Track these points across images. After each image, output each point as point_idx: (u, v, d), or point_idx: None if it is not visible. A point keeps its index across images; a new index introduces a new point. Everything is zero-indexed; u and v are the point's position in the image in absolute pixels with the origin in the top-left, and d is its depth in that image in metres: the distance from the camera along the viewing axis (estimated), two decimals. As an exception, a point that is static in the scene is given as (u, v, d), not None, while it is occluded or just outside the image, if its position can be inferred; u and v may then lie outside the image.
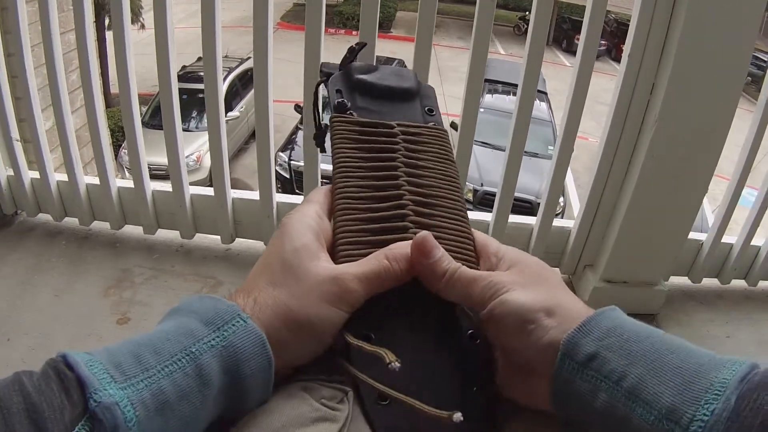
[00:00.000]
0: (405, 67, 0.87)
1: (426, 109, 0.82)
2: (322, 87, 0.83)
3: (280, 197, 2.22)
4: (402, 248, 0.63)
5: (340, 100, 0.77)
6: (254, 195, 2.22)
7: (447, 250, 0.63)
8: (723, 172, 2.16)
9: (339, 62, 0.84)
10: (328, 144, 0.83)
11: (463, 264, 0.63)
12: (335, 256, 0.65)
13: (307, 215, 0.67)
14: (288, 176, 10.71)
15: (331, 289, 0.59)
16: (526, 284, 0.59)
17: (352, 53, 0.82)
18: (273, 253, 0.64)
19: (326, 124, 0.82)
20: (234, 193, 2.24)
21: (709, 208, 7.12)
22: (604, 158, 1.96)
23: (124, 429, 0.45)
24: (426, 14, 1.81)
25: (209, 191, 2.22)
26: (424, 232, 0.62)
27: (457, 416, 0.53)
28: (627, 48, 1.81)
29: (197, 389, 0.51)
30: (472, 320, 0.64)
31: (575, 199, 9.65)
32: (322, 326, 0.59)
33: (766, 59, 15.13)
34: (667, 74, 1.74)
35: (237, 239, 2.31)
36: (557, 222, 2.18)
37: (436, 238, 0.63)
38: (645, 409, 0.47)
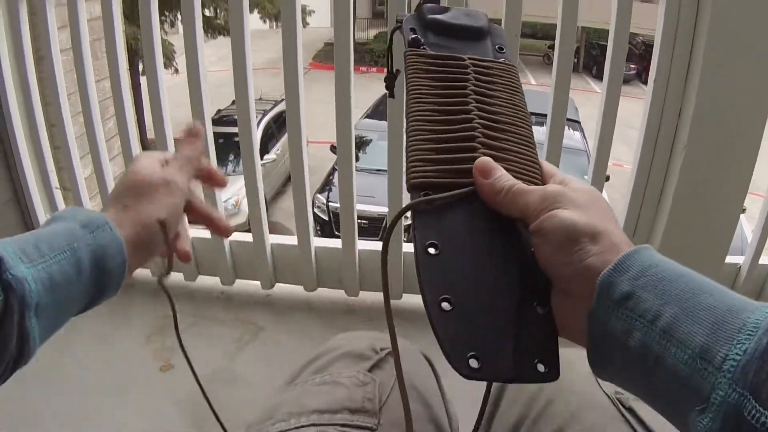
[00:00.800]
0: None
1: (496, 47, 0.84)
2: (396, 34, 0.86)
3: (318, 242, 2.22)
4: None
5: (413, 36, 0.81)
6: (293, 240, 2.22)
7: (513, 171, 0.67)
8: (758, 189, 2.11)
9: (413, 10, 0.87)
10: (398, 91, 0.87)
11: (532, 184, 0.66)
12: (408, 172, 0.68)
13: (154, 155, 0.87)
14: (327, 218, 10.70)
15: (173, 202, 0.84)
16: (579, 206, 0.61)
17: None
18: (128, 181, 0.82)
19: (398, 70, 0.87)
20: (272, 239, 2.25)
21: (748, 227, 7.00)
22: (636, 186, 1.94)
23: (29, 298, 0.60)
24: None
25: (248, 237, 2.23)
26: (483, 157, 0.66)
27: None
28: (652, 74, 1.80)
29: (75, 276, 0.67)
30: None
31: (619, 218, 9.55)
32: (168, 223, 0.82)
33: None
34: (694, 97, 1.72)
35: (277, 284, 2.31)
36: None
37: (504, 160, 0.68)
38: (679, 348, 0.48)
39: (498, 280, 0.62)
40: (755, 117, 1.74)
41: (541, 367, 0.59)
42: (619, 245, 0.58)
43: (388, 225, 0.72)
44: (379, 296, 2.20)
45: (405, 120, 0.74)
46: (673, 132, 1.83)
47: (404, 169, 0.73)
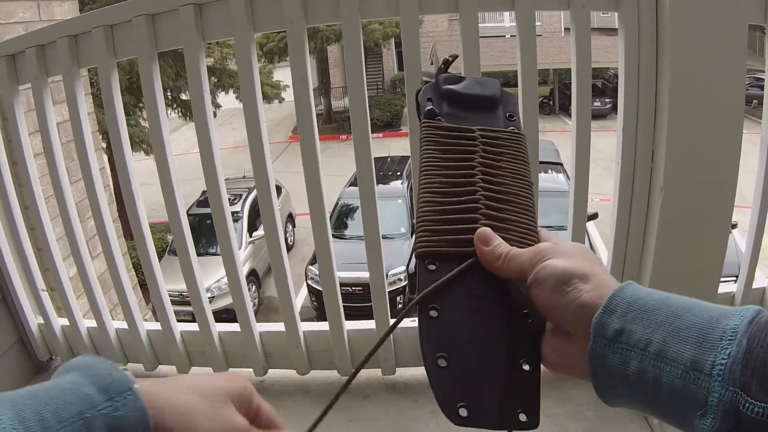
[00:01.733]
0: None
1: (507, 114, 0.90)
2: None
3: (306, 326, 2.21)
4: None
5: (429, 107, 0.87)
6: (280, 327, 2.20)
7: (512, 239, 0.75)
8: (746, 202, 2.11)
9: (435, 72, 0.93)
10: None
11: None
12: (415, 241, 0.77)
13: (243, 382, 0.73)
14: (321, 289, 10.71)
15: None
16: (567, 255, 0.69)
17: (446, 64, 0.93)
18: (197, 381, 0.69)
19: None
20: (260, 327, 2.23)
21: (741, 240, 6.99)
22: (618, 233, 1.93)
23: None
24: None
25: (236, 327, 2.21)
26: (484, 228, 0.75)
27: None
28: (619, 122, 1.81)
29: None
30: (528, 302, 0.72)
31: (605, 258, 9.56)
32: None
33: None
34: (664, 140, 1.73)
35: (270, 370, 2.28)
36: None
37: (504, 230, 0.76)
38: (672, 366, 0.56)
39: (490, 340, 0.71)
40: (729, 146, 1.74)
41: (523, 417, 0.67)
42: (608, 282, 0.66)
43: (392, 323, 0.78)
44: (373, 372, 2.19)
45: (417, 190, 0.82)
46: (649, 175, 1.83)
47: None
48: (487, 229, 0.75)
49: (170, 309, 2.21)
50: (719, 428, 0.51)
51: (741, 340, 0.53)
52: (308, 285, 10.99)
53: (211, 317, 2.19)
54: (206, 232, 10.87)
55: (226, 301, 9.33)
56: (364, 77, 1.81)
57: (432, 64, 23.93)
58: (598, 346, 0.62)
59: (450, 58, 0.94)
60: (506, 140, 0.86)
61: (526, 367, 0.70)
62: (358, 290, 8.71)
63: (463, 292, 0.73)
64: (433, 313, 0.70)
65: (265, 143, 1.90)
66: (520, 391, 0.68)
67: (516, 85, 1.77)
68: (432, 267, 0.74)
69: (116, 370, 0.61)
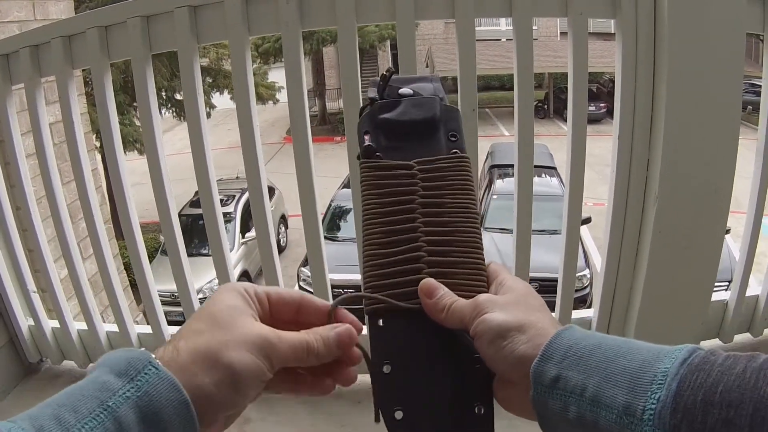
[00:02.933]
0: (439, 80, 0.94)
1: (449, 135, 0.87)
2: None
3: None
4: (327, 331, 0.71)
5: (366, 144, 0.85)
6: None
7: (459, 282, 0.76)
8: (740, 207, 2.11)
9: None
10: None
11: (474, 292, 0.75)
12: (364, 298, 0.77)
13: (237, 287, 0.71)
14: (312, 290, 10.68)
15: (257, 341, 0.64)
16: (505, 306, 0.71)
17: (384, 80, 0.89)
18: (203, 310, 0.68)
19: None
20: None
21: (735, 246, 7.00)
22: (612, 241, 1.93)
23: None
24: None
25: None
26: (426, 280, 0.75)
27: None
28: (615, 131, 1.81)
29: None
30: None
31: (599, 266, 9.60)
32: (241, 371, 0.62)
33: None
34: (660, 149, 1.72)
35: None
36: (577, 313, 2.13)
37: (450, 274, 0.77)
38: (607, 411, 0.57)
39: (443, 388, 0.73)
40: (725, 156, 1.75)
41: None
42: (546, 329, 0.68)
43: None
44: (365, 378, 2.15)
45: (360, 240, 0.83)
46: (644, 184, 1.83)
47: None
48: (430, 280, 0.76)
49: (161, 312, 2.19)
50: None
51: (671, 384, 0.54)
52: (300, 287, 10.97)
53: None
54: (199, 232, 10.85)
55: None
56: (359, 80, 1.80)
57: (427, 66, 23.97)
58: (538, 393, 0.64)
59: (387, 73, 0.88)
60: (447, 169, 0.83)
61: (480, 411, 0.73)
62: (350, 292, 8.71)
63: (415, 343, 0.75)
64: (386, 369, 0.73)
65: (258, 147, 1.89)
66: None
67: (511, 88, 1.77)
68: (380, 323, 0.76)
69: (132, 351, 0.60)
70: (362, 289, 0.78)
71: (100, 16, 1.87)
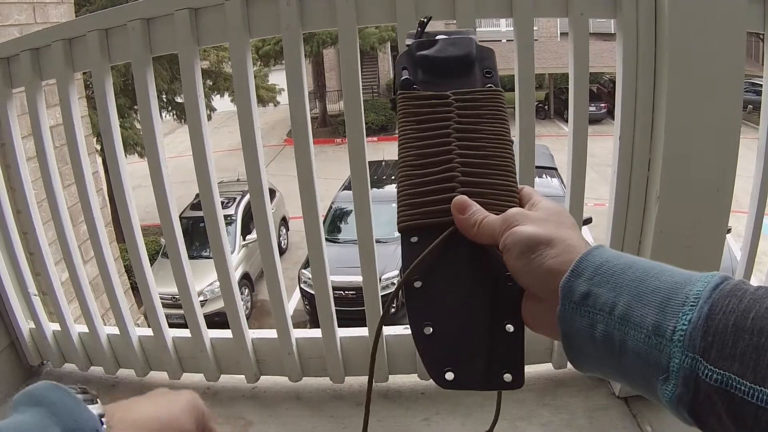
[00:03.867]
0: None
1: (485, 71, 0.89)
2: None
3: (298, 333, 2.19)
4: None
5: (404, 77, 0.87)
6: (272, 333, 2.18)
7: (490, 203, 0.76)
8: (741, 206, 2.11)
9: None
10: None
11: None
12: (398, 215, 0.78)
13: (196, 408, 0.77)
14: (313, 292, 10.68)
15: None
16: (536, 220, 0.70)
17: (422, 26, 0.91)
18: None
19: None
20: (253, 334, 2.21)
21: (736, 246, 6.99)
22: (614, 241, 1.92)
23: None
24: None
25: (228, 334, 2.19)
26: (459, 196, 0.75)
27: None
28: (616, 131, 1.81)
29: None
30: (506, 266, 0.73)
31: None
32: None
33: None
34: (661, 149, 1.72)
35: (262, 377, 2.27)
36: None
37: (481, 195, 0.77)
38: (636, 330, 0.56)
39: (474, 305, 0.73)
40: (726, 155, 1.74)
41: (507, 377, 0.69)
42: (575, 247, 0.66)
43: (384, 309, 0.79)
44: (366, 379, 2.16)
45: (397, 165, 0.82)
46: (645, 184, 1.83)
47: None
48: (463, 197, 0.75)
49: (162, 315, 2.19)
50: (680, 394, 0.53)
51: (702, 306, 0.53)
52: (301, 289, 10.98)
53: (203, 324, 2.18)
54: (199, 235, 10.88)
55: (219, 305, 9.32)
56: (360, 82, 1.80)
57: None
58: (566, 309, 0.62)
59: (425, 20, 0.92)
60: (482, 100, 0.85)
61: (510, 329, 0.72)
62: (351, 294, 8.71)
63: (446, 260, 0.75)
64: (417, 284, 0.73)
65: (259, 149, 1.89)
66: (504, 352, 0.71)
67: (511, 90, 1.77)
68: (414, 240, 0.76)
69: (82, 409, 0.60)
70: (396, 210, 0.79)
71: (101, 19, 1.87)
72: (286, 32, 1.76)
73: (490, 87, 0.87)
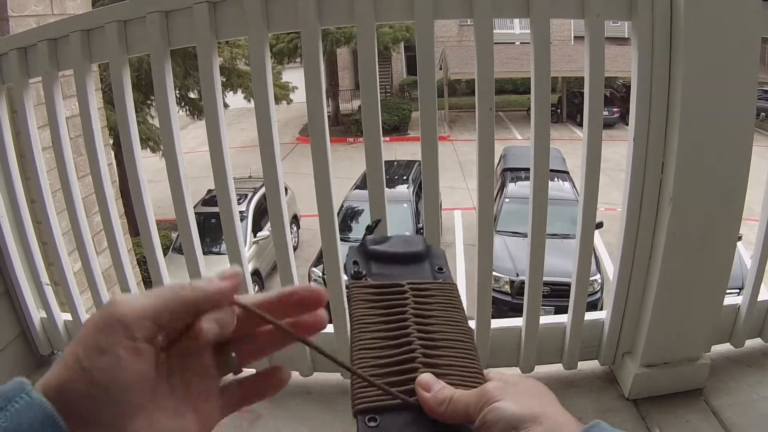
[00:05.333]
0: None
1: (436, 268, 0.89)
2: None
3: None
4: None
5: (355, 269, 0.86)
6: (286, 329, 2.18)
7: (458, 383, 0.70)
8: (753, 214, 2.10)
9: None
10: None
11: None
12: (352, 401, 0.71)
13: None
14: (327, 289, 10.72)
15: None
16: (517, 395, 0.65)
17: (370, 230, 0.93)
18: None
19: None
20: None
21: (746, 254, 6.97)
22: (626, 243, 1.93)
23: None
24: (427, 112, 1.81)
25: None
26: (424, 374, 0.70)
27: None
28: (630, 133, 1.81)
29: None
30: None
31: (611, 270, 9.58)
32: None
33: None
34: (674, 151, 1.73)
35: (272, 370, 2.26)
36: (590, 315, 2.12)
37: (444, 375, 0.71)
38: None
39: None
40: (739, 159, 1.75)
41: None
42: (563, 425, 0.63)
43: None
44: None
45: (350, 349, 0.77)
46: (658, 187, 1.83)
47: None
48: (428, 374, 0.71)
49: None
50: None
51: None
52: (310, 287, 11.00)
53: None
54: (210, 231, 10.89)
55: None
56: (377, 79, 1.80)
57: (440, 69, 23.94)
58: None
59: (373, 224, 0.95)
60: (437, 290, 0.84)
61: None
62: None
63: None
64: None
65: (276, 144, 1.90)
66: None
67: (524, 92, 1.77)
68: (372, 424, 0.70)
69: (10, 382, 0.55)
70: (351, 392, 0.73)
71: (119, 11, 1.88)
72: (305, 27, 1.77)
73: (443, 281, 0.86)
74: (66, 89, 2.65)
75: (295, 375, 2.23)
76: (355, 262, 0.88)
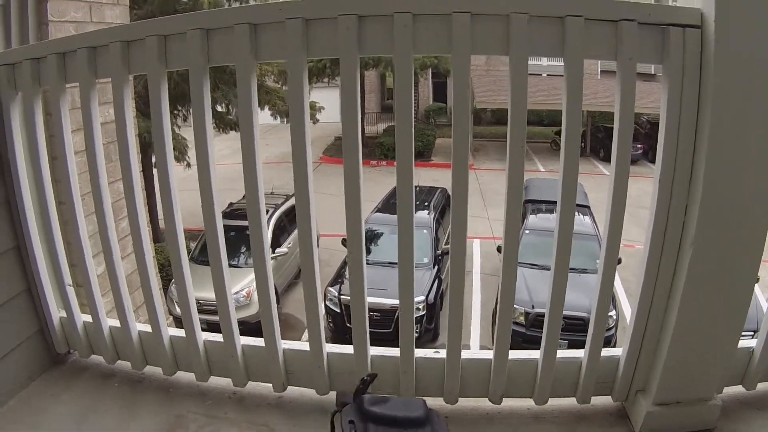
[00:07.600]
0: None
1: None
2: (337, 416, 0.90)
3: (330, 348, 2.20)
4: None
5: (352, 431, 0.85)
6: (305, 346, 2.20)
7: None
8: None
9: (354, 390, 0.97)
10: None
11: None
12: None
13: None
14: (338, 310, 10.70)
15: None
16: None
17: (365, 384, 0.89)
18: None
19: None
20: (285, 344, 2.23)
21: (762, 296, 6.91)
22: (646, 283, 1.93)
23: None
24: (460, 139, 1.84)
25: (260, 342, 2.21)
26: None
27: None
28: (656, 175, 1.82)
29: None
30: None
31: (627, 310, 9.51)
32: None
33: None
34: (699, 195, 1.74)
35: (289, 387, 2.27)
36: (605, 352, 2.12)
37: None
38: None
39: None
40: (761, 214, 1.77)
41: None
42: None
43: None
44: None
45: None
46: (680, 229, 1.84)
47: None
48: None
49: (196, 318, 2.23)
50: None
51: None
52: (326, 306, 11.01)
53: (236, 329, 2.20)
54: (229, 244, 10.92)
55: (242, 314, 9.36)
56: (412, 106, 1.83)
57: (467, 97, 23.91)
58: None
59: (367, 378, 0.93)
60: None
61: None
62: (376, 316, 8.72)
63: None
64: None
65: (309, 164, 1.96)
66: None
67: (549, 125, 1.78)
68: None
69: None
70: None
71: (161, 26, 1.93)
72: (345, 55, 1.80)
73: None
74: (100, 96, 2.70)
75: (312, 393, 2.25)
76: (351, 422, 0.87)
